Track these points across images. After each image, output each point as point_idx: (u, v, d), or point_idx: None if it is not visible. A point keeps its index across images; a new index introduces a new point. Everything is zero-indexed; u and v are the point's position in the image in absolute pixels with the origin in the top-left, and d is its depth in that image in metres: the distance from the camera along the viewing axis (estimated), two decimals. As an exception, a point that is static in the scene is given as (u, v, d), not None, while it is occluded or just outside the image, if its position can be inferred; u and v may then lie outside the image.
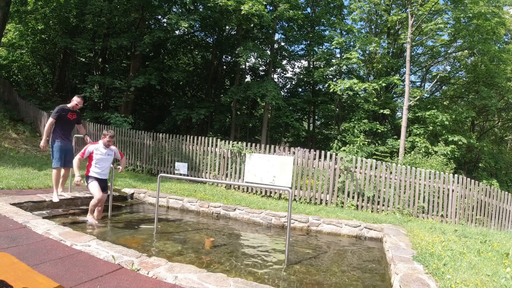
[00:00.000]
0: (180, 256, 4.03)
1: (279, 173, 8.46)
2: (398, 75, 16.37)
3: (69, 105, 5.61)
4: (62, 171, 5.72)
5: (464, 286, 3.01)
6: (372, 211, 7.94)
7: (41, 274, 1.95)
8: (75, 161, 5.03)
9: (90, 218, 5.11)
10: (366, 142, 12.48)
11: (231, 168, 9.32)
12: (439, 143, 13.00)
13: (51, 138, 5.53)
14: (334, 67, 16.87)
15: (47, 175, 7.31)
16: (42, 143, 5.40)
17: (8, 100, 16.15)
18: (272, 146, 9.09)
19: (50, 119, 5.40)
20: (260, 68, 19.49)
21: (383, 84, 14.35)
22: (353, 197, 8.16)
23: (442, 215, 7.80)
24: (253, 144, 9.18)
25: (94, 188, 5.10)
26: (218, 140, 9.64)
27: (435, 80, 15.38)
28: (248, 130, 18.98)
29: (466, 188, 7.93)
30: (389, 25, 16.22)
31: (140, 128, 15.20)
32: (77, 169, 4.95)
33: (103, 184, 5.29)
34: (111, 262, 3.04)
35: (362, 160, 8.27)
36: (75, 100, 5.61)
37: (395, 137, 15.13)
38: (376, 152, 12.61)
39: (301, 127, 18.63)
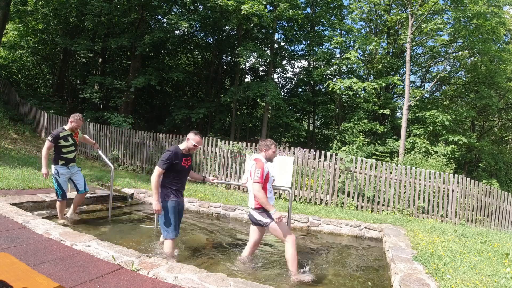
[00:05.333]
0: (180, 256, 4.02)
1: (279, 173, 8.42)
2: (398, 75, 16.37)
3: (182, 146, 3.89)
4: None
5: (464, 286, 3.01)
6: (372, 211, 7.94)
7: (41, 274, 1.95)
8: (261, 194, 3.55)
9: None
10: (366, 142, 12.48)
11: (231, 168, 9.32)
12: (439, 143, 12.99)
13: (161, 193, 3.83)
14: (334, 67, 16.87)
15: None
16: (155, 205, 3.71)
17: (8, 100, 16.16)
18: (272, 146, 9.08)
19: (158, 170, 3.68)
20: (260, 68, 19.49)
21: (383, 84, 14.35)
22: (353, 197, 8.16)
23: (442, 215, 7.80)
24: (253, 144, 9.18)
25: (287, 229, 3.73)
26: (218, 140, 9.64)
27: (435, 80, 15.38)
28: (248, 130, 18.97)
29: (466, 188, 7.93)
30: (389, 25, 16.23)
31: (140, 128, 15.20)
32: (267, 203, 3.59)
33: None
34: (111, 262, 3.04)
35: (362, 160, 8.27)
36: (194, 140, 3.85)
37: (395, 137, 15.13)
38: (376, 152, 12.61)
39: (301, 127, 18.62)
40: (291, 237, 3.67)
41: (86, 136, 5.48)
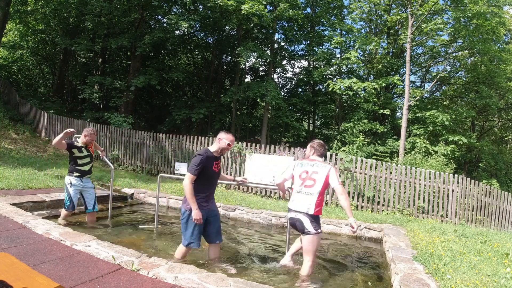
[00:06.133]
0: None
1: (279, 173, 8.44)
2: (398, 75, 16.37)
3: (213, 149, 3.61)
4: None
5: (464, 286, 3.01)
6: (372, 211, 7.94)
7: (41, 274, 1.95)
8: (347, 201, 3.40)
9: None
10: (365, 142, 12.48)
11: (231, 168, 9.32)
12: (439, 143, 13.00)
13: (183, 203, 3.60)
14: (334, 67, 16.88)
15: (47, 175, 7.32)
16: (195, 214, 3.39)
17: (8, 100, 16.17)
18: (272, 146, 9.09)
19: (190, 176, 3.41)
20: (260, 68, 19.48)
21: (383, 84, 14.34)
22: (353, 197, 8.16)
23: (442, 215, 7.80)
24: (253, 144, 9.18)
25: (317, 249, 3.70)
26: (218, 140, 9.63)
27: (435, 80, 15.38)
28: (248, 130, 18.98)
29: (466, 188, 7.93)
30: (389, 25, 16.23)
31: (140, 128, 15.23)
32: (350, 207, 3.45)
33: None
34: (111, 262, 3.04)
35: (362, 160, 8.27)
36: (227, 139, 3.60)
37: (395, 137, 15.13)
38: (376, 152, 12.61)
39: (301, 127, 18.61)
40: (314, 260, 3.62)
41: (96, 143, 5.42)
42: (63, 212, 4.84)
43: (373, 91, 13.98)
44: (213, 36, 17.91)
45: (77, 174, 4.78)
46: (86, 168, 4.88)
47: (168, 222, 5.84)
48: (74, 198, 4.76)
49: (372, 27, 18.98)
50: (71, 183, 4.73)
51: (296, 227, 3.60)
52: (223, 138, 3.59)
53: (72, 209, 4.79)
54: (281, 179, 3.87)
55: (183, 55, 21.54)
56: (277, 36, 17.47)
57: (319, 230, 3.51)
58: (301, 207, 3.53)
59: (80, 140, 4.87)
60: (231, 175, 9.25)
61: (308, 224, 3.47)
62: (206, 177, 3.52)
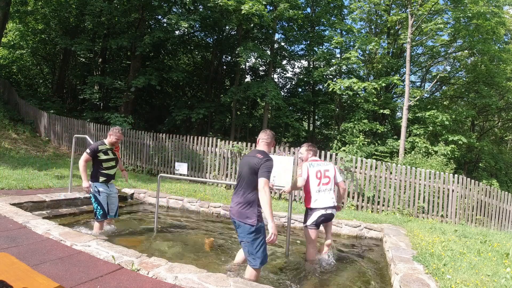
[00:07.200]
0: (180, 256, 4.02)
1: (279, 173, 8.42)
2: (398, 75, 16.36)
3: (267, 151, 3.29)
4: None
5: (464, 286, 3.01)
6: (372, 211, 7.94)
7: (41, 274, 1.95)
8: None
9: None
10: (365, 142, 12.47)
11: (231, 168, 9.32)
12: (439, 143, 12.99)
13: (254, 212, 3.07)
14: (334, 67, 16.87)
15: (47, 175, 7.32)
16: (274, 228, 2.88)
17: (8, 100, 16.17)
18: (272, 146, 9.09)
19: (268, 182, 2.94)
20: (260, 68, 19.48)
21: (383, 84, 14.34)
22: (353, 197, 8.16)
23: (442, 215, 7.80)
24: (253, 144, 9.18)
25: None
26: (218, 140, 9.65)
27: (435, 80, 15.38)
28: (248, 130, 18.97)
29: (466, 188, 7.93)
30: (389, 25, 16.23)
31: (140, 128, 15.22)
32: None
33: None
34: (111, 262, 3.04)
35: (362, 160, 8.27)
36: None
37: (395, 137, 15.12)
38: (376, 152, 12.60)
39: (301, 127, 18.61)
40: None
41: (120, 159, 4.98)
42: (97, 224, 4.52)
43: (373, 91, 13.98)
44: (213, 36, 17.91)
45: (103, 179, 4.51)
46: (112, 172, 4.62)
47: (168, 222, 5.84)
48: (105, 205, 4.49)
49: (372, 27, 18.98)
50: (98, 191, 4.45)
51: (327, 220, 4.12)
52: (272, 138, 3.35)
53: (105, 218, 4.54)
54: (303, 181, 4.05)
55: (183, 55, 21.53)
56: (277, 36, 17.48)
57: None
58: (330, 203, 4.04)
59: (106, 141, 4.60)
60: (231, 175, 9.26)
61: (335, 213, 4.20)
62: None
